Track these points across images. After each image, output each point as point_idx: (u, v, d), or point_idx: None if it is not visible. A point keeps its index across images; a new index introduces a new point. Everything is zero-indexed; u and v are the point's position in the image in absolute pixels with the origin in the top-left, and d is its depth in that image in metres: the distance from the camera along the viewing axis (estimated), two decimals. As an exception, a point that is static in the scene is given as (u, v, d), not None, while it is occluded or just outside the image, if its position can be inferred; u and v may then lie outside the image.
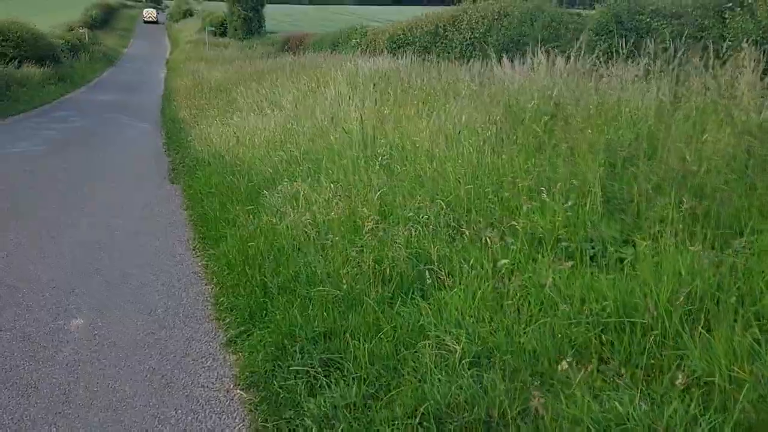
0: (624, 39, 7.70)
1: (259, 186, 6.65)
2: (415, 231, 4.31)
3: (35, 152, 10.96)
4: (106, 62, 31.75)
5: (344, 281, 3.92)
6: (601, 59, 7.80)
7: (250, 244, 4.97)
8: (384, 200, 5.02)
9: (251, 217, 5.64)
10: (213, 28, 35.97)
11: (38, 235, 6.36)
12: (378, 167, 5.70)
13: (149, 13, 62.00)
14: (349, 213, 4.85)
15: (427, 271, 3.82)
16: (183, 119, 13.93)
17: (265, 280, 4.35)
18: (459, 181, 4.92)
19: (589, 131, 5.25)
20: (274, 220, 5.21)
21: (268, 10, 40.16)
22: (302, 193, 5.35)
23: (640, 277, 3.29)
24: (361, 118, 6.55)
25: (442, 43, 17.15)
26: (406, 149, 6.21)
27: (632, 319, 3.01)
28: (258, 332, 3.84)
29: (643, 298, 3.06)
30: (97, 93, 22.33)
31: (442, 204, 4.65)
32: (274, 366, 3.42)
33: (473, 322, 3.31)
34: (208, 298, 4.76)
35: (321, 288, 3.92)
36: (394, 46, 19.37)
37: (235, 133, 9.49)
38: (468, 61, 15.00)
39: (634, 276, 3.36)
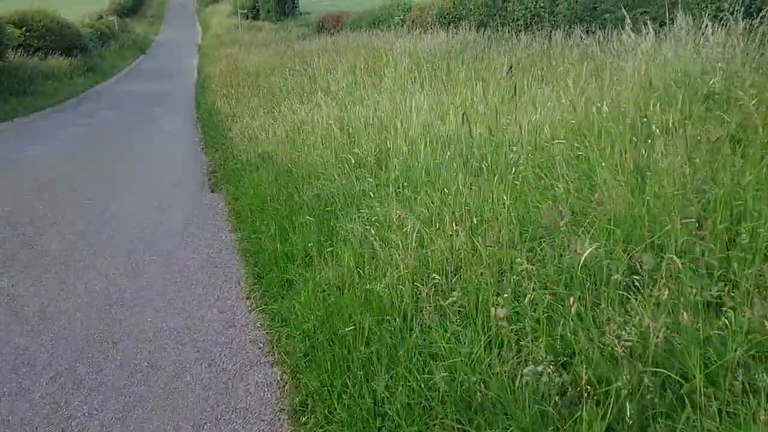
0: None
1: (330, 203, 4.98)
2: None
3: (54, 157, 9.45)
4: (136, 50, 30.37)
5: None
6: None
7: (330, 304, 3.31)
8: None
9: (329, 260, 3.97)
10: (245, 11, 34.33)
11: (32, 302, 4.79)
12: (520, 181, 3.89)
13: None
14: (490, 259, 3.13)
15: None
16: (220, 110, 12.32)
17: (375, 390, 2.67)
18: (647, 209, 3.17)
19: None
20: (366, 272, 3.52)
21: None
22: (409, 226, 3.57)
23: None
24: (464, 115, 4.76)
25: (500, 15, 15.18)
26: (542, 150, 4.42)
27: None
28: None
29: None
30: (127, 83, 20.91)
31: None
32: None
33: None
34: (278, 406, 3.10)
35: None
36: (445, 21, 17.48)
37: (285, 129, 7.82)
38: (534, 33, 13.16)
39: None
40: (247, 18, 34.44)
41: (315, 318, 3.30)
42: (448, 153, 5.04)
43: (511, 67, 6.55)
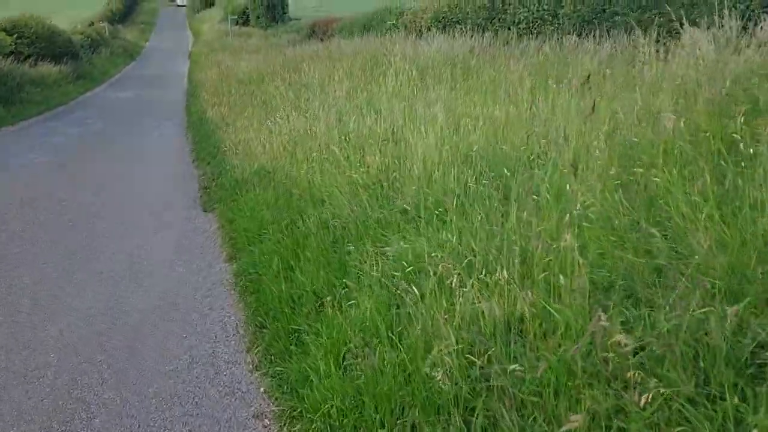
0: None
1: (340, 234, 4.24)
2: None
3: (39, 169, 8.62)
4: (127, 56, 29.39)
5: None
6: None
7: (359, 384, 2.58)
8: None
9: (344, 308, 3.24)
10: (235, 17, 33.42)
11: None
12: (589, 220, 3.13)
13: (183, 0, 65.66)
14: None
15: None
16: (211, 119, 11.53)
17: None
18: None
19: None
20: (398, 335, 2.79)
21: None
22: (454, 280, 2.80)
23: None
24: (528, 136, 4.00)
25: (500, 18, 14.48)
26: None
27: None
28: None
29: None
30: (117, 90, 20.01)
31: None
32: None
33: None
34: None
35: None
36: (440, 25, 16.79)
37: (282, 142, 7.07)
38: (540, 38, 12.48)
39: None
40: (237, 24, 33.54)
41: (337, 398, 2.56)
42: (471, 174, 4.33)
43: (589, 77, 5.77)
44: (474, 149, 4.68)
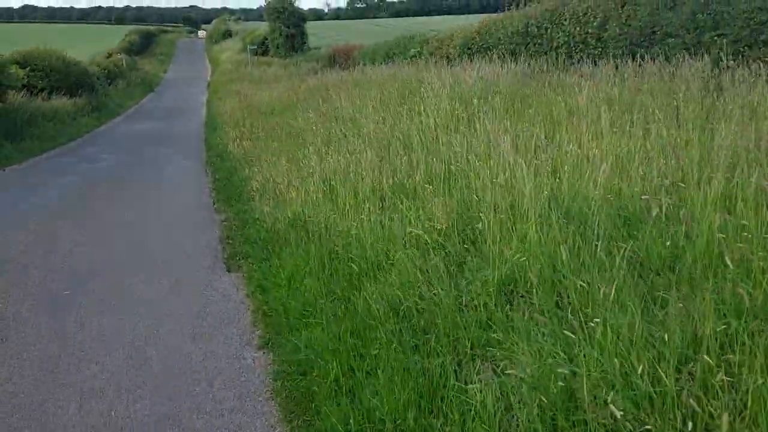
0: None
1: (418, 323, 3.06)
2: None
3: (38, 217, 7.49)
4: (144, 88, 28.67)
5: None
6: None
7: None
8: None
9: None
10: (254, 47, 32.74)
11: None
12: None
13: (203, 33, 74.15)
14: None
15: None
16: (233, 154, 10.47)
17: None
18: None
19: None
20: None
21: (308, 25, 36.82)
22: None
23: None
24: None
25: (536, 43, 13.40)
26: None
27: None
28: None
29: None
30: (134, 122, 19.12)
31: None
32: None
33: None
34: None
35: None
36: (470, 52, 15.75)
37: (319, 184, 5.93)
38: (578, 62, 11.38)
39: None
40: (257, 54, 32.86)
41: None
42: (592, 236, 3.15)
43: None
44: (592, 198, 3.50)
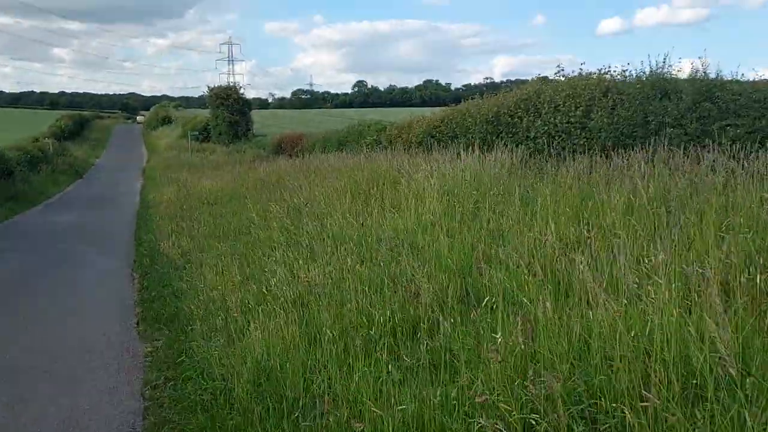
0: None
1: None
2: None
3: None
4: (72, 174, 26.28)
5: None
6: None
7: None
8: None
9: None
10: (196, 133, 31.14)
11: None
12: None
13: (141, 119, 71.86)
14: None
15: None
16: (167, 255, 8.53)
17: None
18: None
19: None
20: None
21: (252, 113, 35.66)
22: None
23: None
24: None
25: (510, 132, 12.30)
26: None
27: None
28: None
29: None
30: (54, 213, 16.77)
31: None
32: None
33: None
34: None
35: None
36: (433, 140, 14.47)
37: (287, 313, 4.15)
38: (559, 154, 10.18)
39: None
40: (198, 140, 31.24)
41: None
42: None
43: None
44: None
